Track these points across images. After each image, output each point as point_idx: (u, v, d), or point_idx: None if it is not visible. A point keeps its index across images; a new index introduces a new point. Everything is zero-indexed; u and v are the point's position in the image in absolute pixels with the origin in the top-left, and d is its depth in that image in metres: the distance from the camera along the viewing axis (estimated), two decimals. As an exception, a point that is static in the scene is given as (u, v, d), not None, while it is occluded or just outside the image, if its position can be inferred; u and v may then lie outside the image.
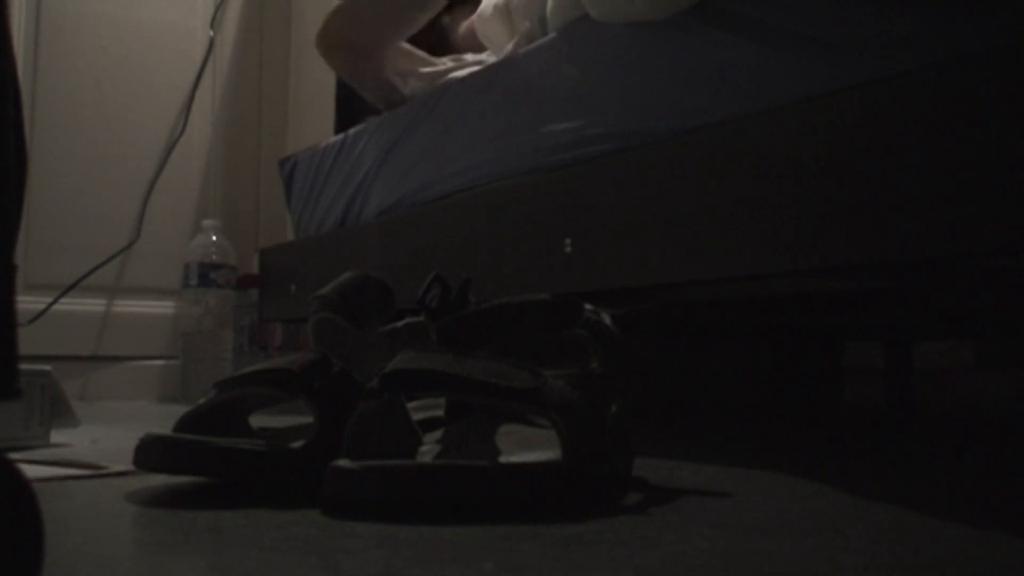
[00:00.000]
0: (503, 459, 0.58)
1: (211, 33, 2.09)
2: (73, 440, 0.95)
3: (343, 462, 0.54)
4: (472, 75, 1.20)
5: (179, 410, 0.69)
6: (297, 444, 0.62)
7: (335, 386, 0.62)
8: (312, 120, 2.08)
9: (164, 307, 1.99)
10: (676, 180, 0.85)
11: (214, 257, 1.88)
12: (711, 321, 1.58)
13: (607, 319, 0.65)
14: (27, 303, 1.80)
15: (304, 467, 0.59)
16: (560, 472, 0.55)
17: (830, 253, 0.71)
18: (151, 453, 0.60)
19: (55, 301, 1.86)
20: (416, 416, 0.61)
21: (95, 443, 0.95)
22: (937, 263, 0.78)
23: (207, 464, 0.59)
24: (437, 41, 1.53)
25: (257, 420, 0.69)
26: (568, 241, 0.95)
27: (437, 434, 0.63)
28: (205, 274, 1.86)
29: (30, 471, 0.56)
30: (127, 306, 1.97)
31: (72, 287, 1.88)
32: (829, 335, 1.84)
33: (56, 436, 0.93)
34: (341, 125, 1.76)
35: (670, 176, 0.85)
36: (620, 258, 0.90)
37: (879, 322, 1.61)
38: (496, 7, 1.28)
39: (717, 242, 0.80)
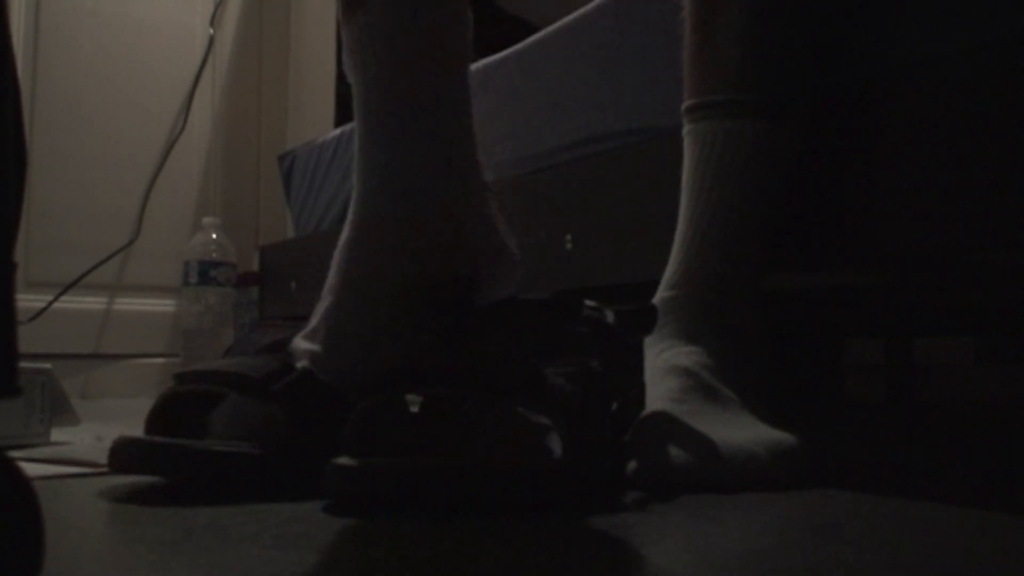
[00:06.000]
0: (503, 456, 0.58)
1: (211, 31, 2.09)
2: (73, 438, 0.95)
3: (344, 459, 0.54)
4: (472, 72, 1.20)
5: (180, 408, 0.69)
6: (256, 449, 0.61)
7: (296, 388, 0.61)
8: (312, 118, 2.08)
9: (164, 305, 1.99)
10: (676, 177, 0.84)
11: (214, 255, 1.88)
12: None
13: (608, 316, 0.65)
14: (27, 301, 1.80)
15: (275, 470, 0.59)
16: (560, 470, 0.55)
17: (831, 250, 0.71)
18: (125, 456, 0.60)
19: (55, 299, 1.86)
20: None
21: (100, 440, 0.95)
22: (938, 259, 0.78)
23: (181, 467, 0.59)
24: None
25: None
26: (569, 237, 0.95)
27: (438, 431, 0.63)
28: (205, 272, 1.86)
29: (30, 469, 0.56)
30: (127, 304, 1.97)
31: (72, 285, 1.88)
32: (830, 331, 1.84)
33: (56, 434, 0.93)
34: (341, 122, 1.76)
35: (670, 173, 0.85)
36: (621, 254, 0.89)
37: (880, 318, 1.61)
38: None
39: (717, 238, 0.79)
